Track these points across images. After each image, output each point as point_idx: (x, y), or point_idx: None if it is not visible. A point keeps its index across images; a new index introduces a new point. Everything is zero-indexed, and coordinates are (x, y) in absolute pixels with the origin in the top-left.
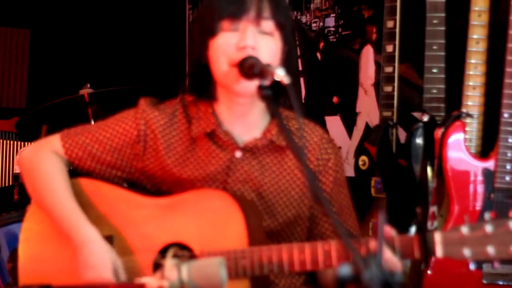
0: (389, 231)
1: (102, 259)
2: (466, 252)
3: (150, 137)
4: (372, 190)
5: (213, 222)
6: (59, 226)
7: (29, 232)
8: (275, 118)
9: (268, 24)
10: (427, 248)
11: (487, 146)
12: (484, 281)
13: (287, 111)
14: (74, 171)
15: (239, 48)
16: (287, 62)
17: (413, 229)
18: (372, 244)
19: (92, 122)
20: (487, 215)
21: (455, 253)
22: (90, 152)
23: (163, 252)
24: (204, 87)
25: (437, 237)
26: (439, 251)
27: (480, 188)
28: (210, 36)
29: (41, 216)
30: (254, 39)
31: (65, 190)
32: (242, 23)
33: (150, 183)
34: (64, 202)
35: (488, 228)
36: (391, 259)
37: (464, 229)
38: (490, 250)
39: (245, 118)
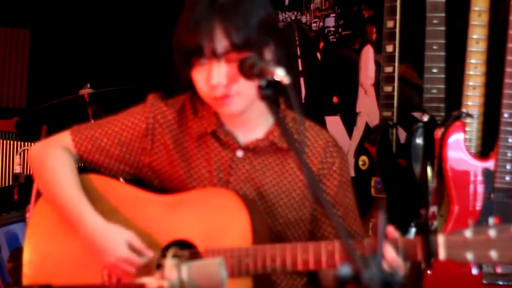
0: (393, 232)
1: (112, 240)
2: (469, 255)
3: (158, 131)
4: (372, 190)
5: (218, 220)
6: (67, 219)
7: (35, 227)
8: (275, 119)
9: (232, 56)
10: (430, 250)
11: (487, 146)
12: (484, 281)
13: (294, 113)
14: (83, 167)
15: (210, 87)
16: (274, 63)
17: (413, 230)
18: (375, 246)
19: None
20: (491, 220)
21: (458, 256)
22: (99, 145)
23: (168, 249)
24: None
25: (441, 239)
26: (442, 254)
27: (480, 188)
28: (188, 70)
29: (48, 211)
30: (220, 76)
31: (72, 183)
32: (206, 59)
33: (157, 179)
34: (70, 194)
35: (492, 232)
36: (396, 260)
37: (468, 233)
38: (493, 254)
39: (245, 123)
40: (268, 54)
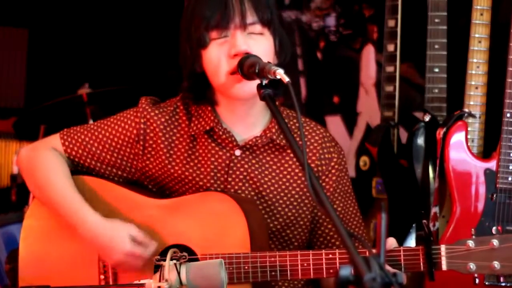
0: (391, 244)
1: (116, 236)
2: (472, 266)
3: (150, 136)
4: (373, 191)
5: (215, 225)
6: (64, 220)
7: (29, 229)
8: (276, 118)
9: (255, 27)
10: (432, 261)
11: (489, 146)
12: (486, 283)
13: (288, 109)
14: (76, 170)
15: (232, 56)
16: (281, 52)
17: (413, 230)
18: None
19: (91, 122)
20: (494, 228)
21: (460, 267)
22: (90, 150)
23: (164, 253)
24: (202, 94)
25: (443, 250)
26: (444, 265)
27: (482, 189)
28: (202, 48)
29: (41, 213)
30: (245, 44)
31: (67, 183)
32: (230, 30)
33: (152, 183)
34: (66, 195)
35: (495, 242)
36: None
37: (470, 243)
38: (496, 265)
39: (245, 118)
40: (279, 42)
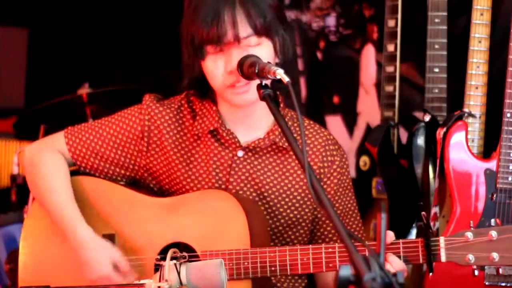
0: (390, 236)
1: (98, 256)
2: (470, 257)
3: (154, 132)
4: (373, 191)
5: (215, 222)
6: (57, 227)
7: (30, 228)
8: (275, 118)
9: (250, 40)
10: (431, 253)
11: (489, 146)
12: (486, 283)
13: (292, 111)
14: (78, 170)
15: (228, 73)
16: (282, 52)
17: (414, 231)
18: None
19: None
20: (493, 221)
21: (459, 258)
22: (94, 148)
23: (164, 251)
24: (205, 93)
25: (442, 242)
26: (443, 256)
27: (482, 189)
28: (200, 59)
29: (42, 213)
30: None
31: (64, 191)
32: (225, 45)
33: (154, 181)
34: (61, 203)
35: (493, 234)
36: (398, 263)
37: (469, 234)
38: (494, 256)
39: (248, 120)
40: (279, 44)
